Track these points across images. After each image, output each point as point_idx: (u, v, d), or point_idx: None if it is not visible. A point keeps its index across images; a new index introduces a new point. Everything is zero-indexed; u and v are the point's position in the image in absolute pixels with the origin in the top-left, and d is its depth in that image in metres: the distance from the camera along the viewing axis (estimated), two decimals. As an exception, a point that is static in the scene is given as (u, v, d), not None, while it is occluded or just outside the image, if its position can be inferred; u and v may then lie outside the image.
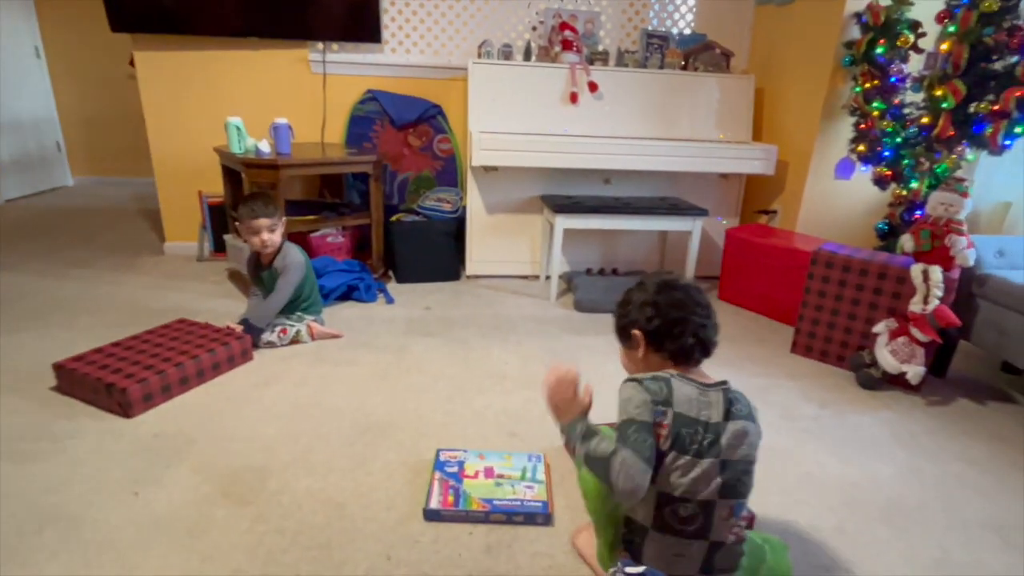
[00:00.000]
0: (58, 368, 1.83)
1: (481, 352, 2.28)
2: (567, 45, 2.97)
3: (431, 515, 1.37)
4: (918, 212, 2.44)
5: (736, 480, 0.98)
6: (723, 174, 3.14)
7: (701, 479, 0.96)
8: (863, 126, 2.63)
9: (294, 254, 2.27)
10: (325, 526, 1.34)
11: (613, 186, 3.11)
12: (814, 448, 1.75)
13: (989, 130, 2.16)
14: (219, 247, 3.21)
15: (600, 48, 3.13)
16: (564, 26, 2.99)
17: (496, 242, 3.12)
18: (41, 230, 3.71)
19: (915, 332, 1.98)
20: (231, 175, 2.90)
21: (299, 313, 2.32)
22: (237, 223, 2.25)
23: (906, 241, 2.05)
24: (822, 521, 1.44)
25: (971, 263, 1.94)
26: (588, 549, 1.24)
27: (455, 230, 3.05)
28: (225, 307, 2.56)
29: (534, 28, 3.22)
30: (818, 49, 2.81)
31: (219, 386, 1.94)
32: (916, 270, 2.00)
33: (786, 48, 3.07)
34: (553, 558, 1.29)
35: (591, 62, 3.04)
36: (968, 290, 2.14)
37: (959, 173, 2.30)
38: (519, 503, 1.39)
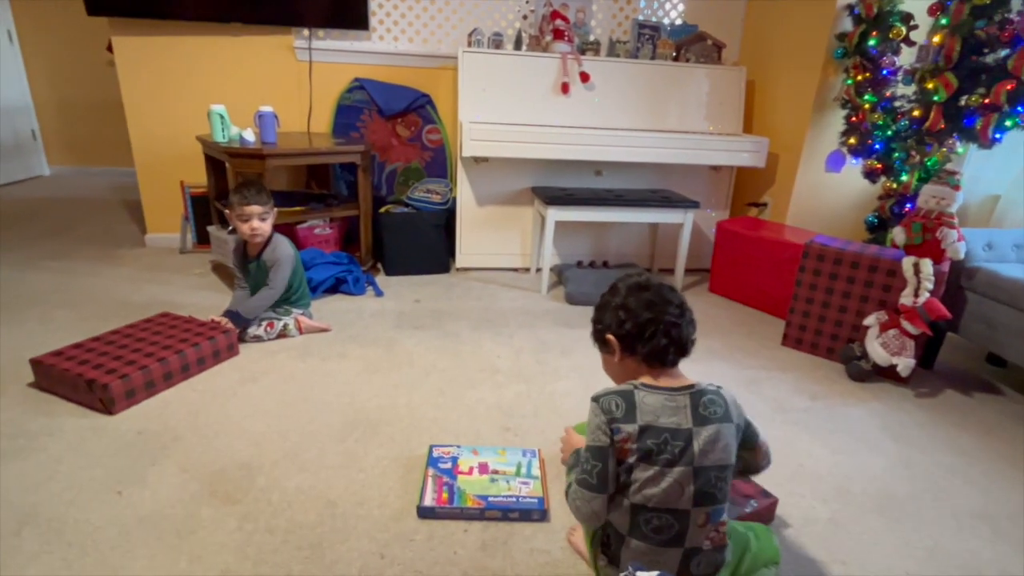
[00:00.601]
0: (36, 363, 1.77)
1: (472, 345, 2.25)
2: (558, 34, 2.93)
3: (425, 512, 1.35)
4: (908, 205, 2.46)
5: (711, 486, 0.97)
6: (714, 166, 3.14)
7: (672, 489, 0.95)
8: (854, 119, 2.64)
9: (284, 247, 2.22)
10: (316, 524, 1.31)
11: (604, 178, 3.09)
12: (806, 440, 1.75)
13: (979, 123, 2.17)
14: (202, 239, 3.13)
15: (591, 38, 3.10)
16: (555, 15, 2.94)
17: (486, 234, 3.09)
18: (17, 221, 3.59)
19: (906, 325, 1.99)
20: (214, 165, 2.84)
21: (287, 306, 2.27)
22: (227, 210, 2.19)
23: (898, 234, 2.05)
24: (815, 513, 1.44)
25: (962, 256, 1.95)
26: (584, 545, 1.23)
27: (445, 222, 3.02)
28: (209, 300, 2.50)
29: (525, 17, 3.17)
30: (810, 41, 2.80)
31: (205, 381, 1.89)
32: (907, 263, 2.01)
33: (778, 40, 3.06)
34: (550, 554, 1.27)
35: (582, 52, 3.01)
36: (957, 283, 2.16)
37: (949, 166, 2.31)
38: (515, 499, 1.38)
